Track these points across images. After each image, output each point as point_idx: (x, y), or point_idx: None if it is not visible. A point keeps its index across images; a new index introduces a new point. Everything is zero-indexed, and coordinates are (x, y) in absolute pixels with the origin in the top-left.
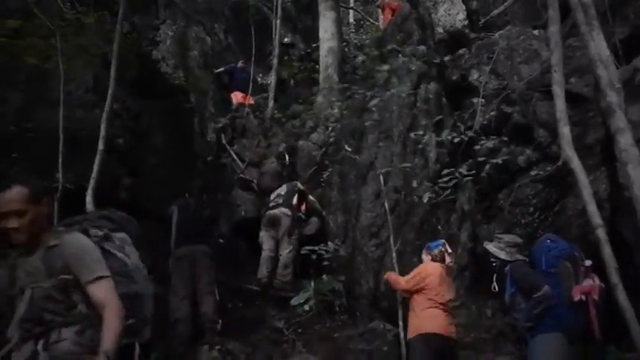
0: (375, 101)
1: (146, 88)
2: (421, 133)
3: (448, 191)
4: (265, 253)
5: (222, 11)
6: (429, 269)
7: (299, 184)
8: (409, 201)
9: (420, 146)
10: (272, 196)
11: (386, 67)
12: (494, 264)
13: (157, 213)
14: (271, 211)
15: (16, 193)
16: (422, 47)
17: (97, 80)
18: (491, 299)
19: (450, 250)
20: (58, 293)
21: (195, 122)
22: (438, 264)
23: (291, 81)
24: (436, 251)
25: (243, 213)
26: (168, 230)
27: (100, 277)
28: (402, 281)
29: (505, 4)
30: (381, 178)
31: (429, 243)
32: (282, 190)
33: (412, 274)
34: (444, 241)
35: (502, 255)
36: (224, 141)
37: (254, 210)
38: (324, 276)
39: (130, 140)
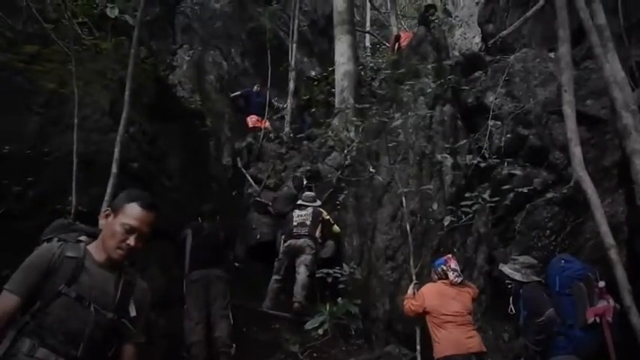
0: (397, 122)
1: (162, 111)
2: (437, 155)
3: (470, 216)
4: (273, 285)
5: (239, 36)
6: (430, 288)
7: (324, 214)
8: (425, 224)
9: (436, 168)
10: (294, 221)
11: (405, 88)
12: (509, 286)
13: (172, 236)
14: (295, 242)
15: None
16: (437, 69)
17: (114, 104)
18: (509, 323)
19: (453, 266)
20: None
21: (210, 146)
22: (442, 281)
23: (308, 104)
24: (439, 269)
25: (258, 236)
26: (182, 253)
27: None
28: (408, 305)
29: (514, 24)
30: (404, 199)
31: (435, 261)
32: (307, 217)
33: (415, 296)
34: (447, 257)
35: (517, 276)
36: (240, 164)
37: (270, 233)
38: (339, 299)
39: (146, 164)
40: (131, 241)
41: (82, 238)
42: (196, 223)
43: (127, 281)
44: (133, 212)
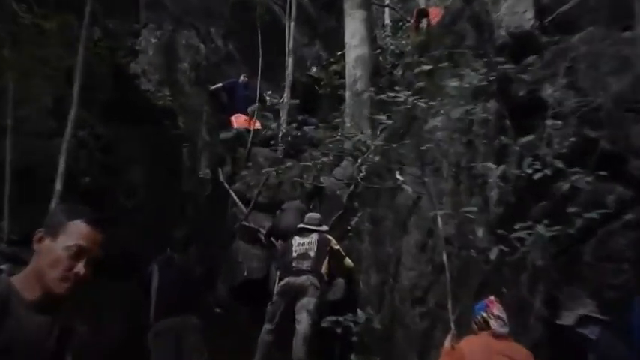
0: (433, 122)
1: (121, 110)
2: (479, 165)
3: (524, 249)
4: (265, 337)
5: (221, 11)
6: (472, 342)
7: (332, 242)
8: (465, 256)
9: (477, 182)
10: (294, 251)
11: (436, 78)
12: (579, 338)
13: (133, 272)
14: (295, 280)
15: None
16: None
17: (59, 101)
18: None
19: (496, 312)
20: None
21: (184, 153)
22: (484, 332)
23: (310, 99)
24: (479, 316)
25: (245, 273)
26: (146, 295)
27: None
28: None
29: None
30: (437, 223)
31: (474, 305)
32: (310, 246)
33: (452, 352)
34: (488, 300)
35: (586, 331)
36: (222, 178)
37: (261, 268)
38: (352, 356)
39: (100, 178)
40: (80, 268)
41: (3, 266)
42: (165, 255)
43: (64, 328)
44: (78, 230)
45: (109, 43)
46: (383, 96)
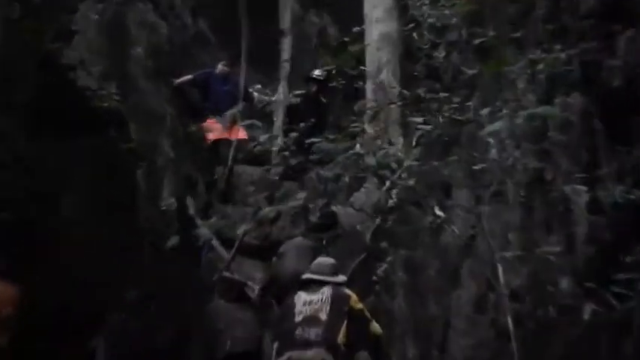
0: (489, 128)
1: (51, 117)
2: (559, 185)
3: (626, 306)
4: None
5: None
6: None
7: (353, 299)
8: (543, 317)
9: (558, 211)
10: (299, 313)
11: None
12: None
13: (70, 345)
14: (300, 355)
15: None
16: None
17: None
18: None
19: None
20: None
21: (138, 176)
22: None
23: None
24: None
25: (229, 345)
26: None
27: None
28: None
29: None
30: (500, 270)
31: None
32: (321, 305)
33: None
34: None
35: None
36: (192, 210)
37: (250, 339)
38: None
39: (21, 209)
40: None
41: None
42: (114, 322)
43: None
44: None
45: (33, 23)
46: (420, 91)
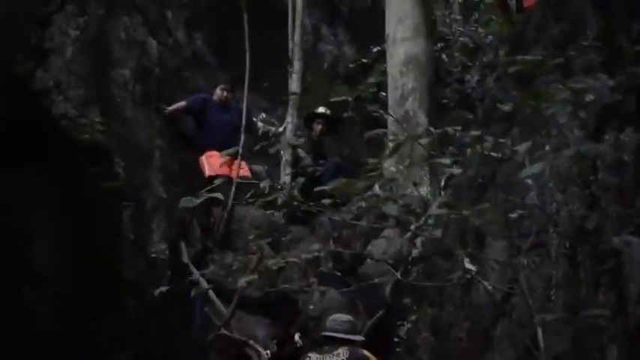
0: (530, 169)
1: (21, 148)
2: (610, 237)
3: None
4: None
5: None
6: None
7: None
8: None
9: (607, 267)
10: None
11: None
12: None
13: None
14: None
15: None
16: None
17: None
18: None
19: None
20: None
21: (124, 219)
22: None
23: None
24: None
25: None
26: None
27: None
28: None
29: None
30: (540, 334)
31: None
32: None
33: None
34: None
35: None
36: (186, 257)
37: None
38: None
39: None
40: None
41: None
42: None
43: None
44: None
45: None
46: (449, 128)
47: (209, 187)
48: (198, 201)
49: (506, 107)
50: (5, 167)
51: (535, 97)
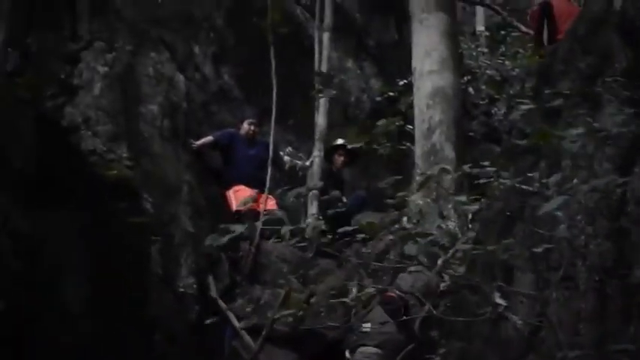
0: (554, 202)
1: (50, 185)
2: (637, 270)
3: None
4: None
5: (210, 18)
6: None
7: None
8: None
9: (637, 299)
10: None
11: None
12: None
13: None
14: None
15: None
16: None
17: None
18: None
19: None
20: None
21: (153, 254)
22: None
23: (357, 160)
24: None
25: None
26: None
27: None
28: None
29: None
30: None
31: None
32: None
33: None
34: None
35: None
36: (214, 292)
37: None
38: None
39: (16, 297)
40: None
41: None
42: None
43: None
44: None
45: (28, 76)
46: (474, 171)
47: (237, 219)
48: (226, 239)
49: (522, 142)
50: (36, 207)
51: (542, 136)
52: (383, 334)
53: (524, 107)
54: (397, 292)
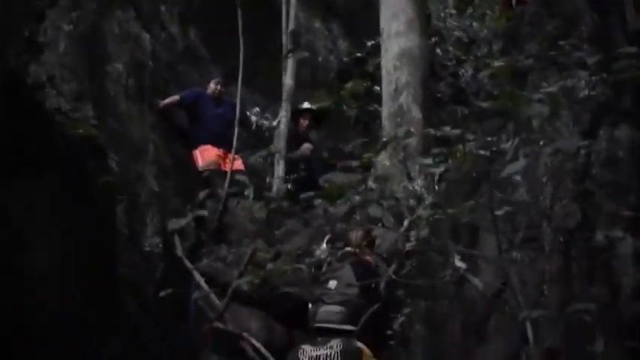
0: (517, 165)
1: (14, 144)
2: (599, 233)
3: None
4: None
5: None
6: None
7: (366, 354)
8: None
9: (599, 261)
10: None
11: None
12: None
13: None
14: None
15: None
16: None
17: None
18: None
19: None
20: None
21: (118, 213)
22: None
23: (324, 121)
24: None
25: None
26: None
27: None
28: None
29: None
30: (529, 329)
31: None
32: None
33: None
34: None
35: None
36: (180, 251)
37: None
38: None
39: None
40: None
41: None
42: None
43: None
44: None
45: None
46: (438, 131)
47: (204, 180)
48: (186, 221)
49: (485, 104)
50: (4, 171)
51: (511, 98)
52: (345, 294)
53: (491, 69)
54: (374, 257)
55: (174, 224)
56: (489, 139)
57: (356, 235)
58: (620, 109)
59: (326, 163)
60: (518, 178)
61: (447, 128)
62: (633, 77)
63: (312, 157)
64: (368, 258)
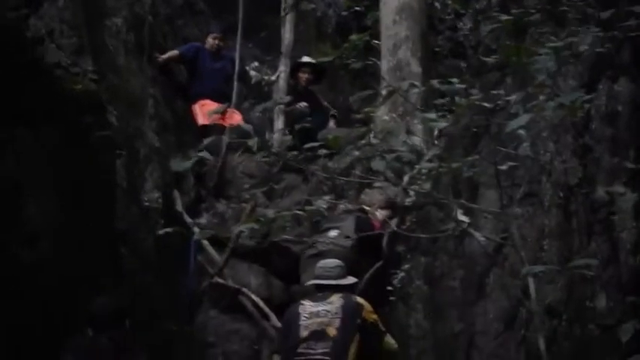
0: (520, 119)
1: (13, 99)
2: (600, 188)
3: None
4: None
5: None
6: None
7: (367, 310)
8: (578, 335)
9: (599, 217)
10: (302, 327)
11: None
12: None
13: None
14: None
15: None
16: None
17: None
18: None
19: None
20: None
21: (117, 168)
22: None
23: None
24: None
25: None
26: None
27: None
28: None
29: None
30: (531, 283)
31: None
32: (331, 319)
33: None
34: None
35: None
36: (179, 206)
37: (245, 353)
38: None
39: None
40: None
41: None
42: (83, 339)
43: None
44: None
45: None
46: (435, 82)
47: (202, 135)
48: (190, 163)
49: (491, 59)
50: (3, 124)
51: (516, 52)
52: (340, 246)
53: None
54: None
55: (177, 166)
56: (491, 92)
57: (377, 197)
58: (620, 63)
59: (325, 117)
60: (521, 132)
61: (455, 80)
62: (632, 30)
63: (315, 110)
64: (375, 222)
